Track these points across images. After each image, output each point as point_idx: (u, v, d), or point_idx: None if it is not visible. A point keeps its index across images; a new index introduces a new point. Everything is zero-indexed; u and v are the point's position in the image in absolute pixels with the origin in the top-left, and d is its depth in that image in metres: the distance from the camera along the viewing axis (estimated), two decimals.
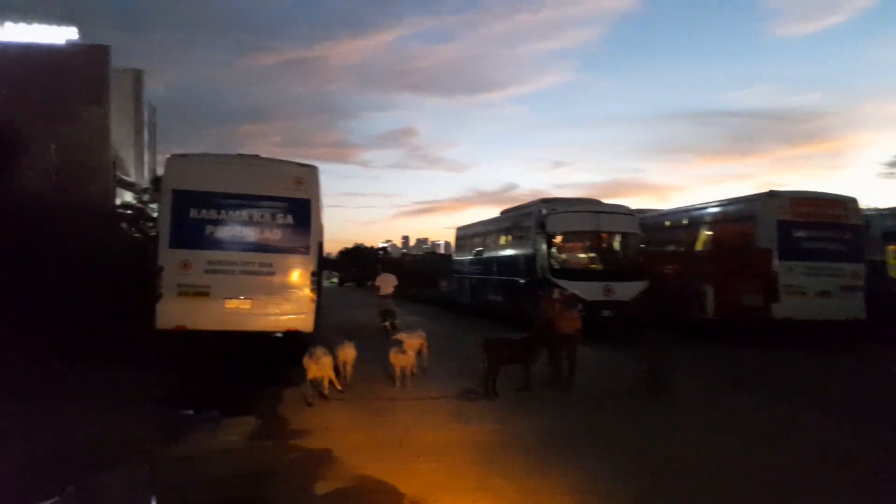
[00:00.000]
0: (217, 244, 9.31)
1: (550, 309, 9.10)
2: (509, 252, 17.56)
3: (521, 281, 15.95)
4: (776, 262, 12.77)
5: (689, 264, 15.65)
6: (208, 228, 9.28)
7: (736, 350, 12.62)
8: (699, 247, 15.67)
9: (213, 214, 9.30)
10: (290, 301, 9.47)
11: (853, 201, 13.83)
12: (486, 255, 19.74)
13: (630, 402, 7.98)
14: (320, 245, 10.17)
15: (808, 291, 12.86)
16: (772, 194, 13.39)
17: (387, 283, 14.71)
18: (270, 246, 9.48)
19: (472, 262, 21.09)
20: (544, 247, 14.60)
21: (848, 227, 13.45)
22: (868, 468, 5.51)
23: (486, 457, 5.62)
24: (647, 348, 8.46)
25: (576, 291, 13.90)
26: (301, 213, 9.64)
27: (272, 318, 9.36)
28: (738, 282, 13.61)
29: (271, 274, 9.43)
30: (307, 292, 9.52)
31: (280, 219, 9.56)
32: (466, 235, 22.87)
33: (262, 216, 9.50)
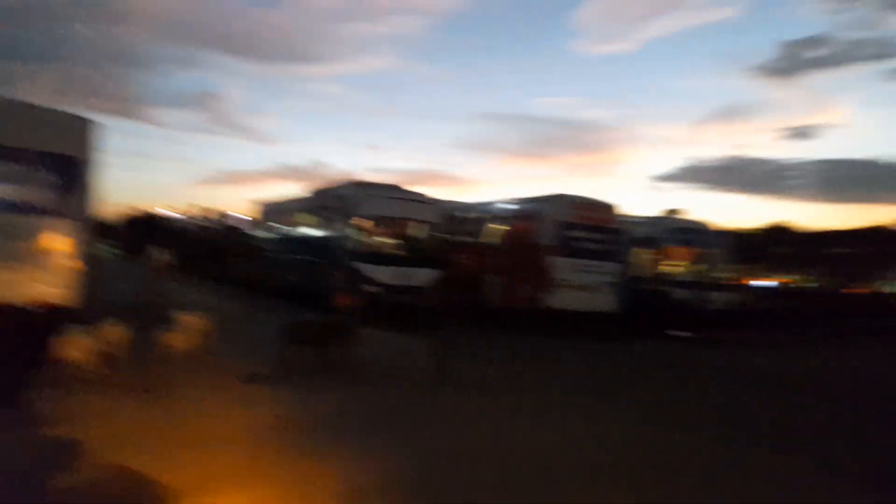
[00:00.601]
0: None
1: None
2: (314, 232, 17.28)
3: (324, 262, 15.81)
4: (552, 258, 14.26)
5: (481, 255, 16.77)
6: None
7: (518, 337, 13.79)
8: (492, 239, 16.90)
9: None
10: (48, 271, 8.25)
11: (615, 208, 15.95)
12: (292, 234, 19.20)
13: (417, 386, 8.33)
14: (94, 208, 9.00)
15: (576, 284, 14.57)
16: (554, 198, 14.93)
17: (160, 255, 13.61)
18: (28, 206, 8.15)
19: (277, 241, 20.35)
20: (349, 229, 14.64)
21: (610, 231, 15.50)
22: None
23: (263, 442, 5.48)
24: (435, 335, 8.86)
25: (377, 275, 14.23)
26: (69, 171, 8.41)
27: (25, 290, 8.09)
28: (521, 274, 14.95)
29: (26, 239, 8.14)
30: (70, 262, 8.38)
31: (43, 176, 8.26)
32: (273, 212, 21.99)
33: (18, 172, 8.13)
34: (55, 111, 8.73)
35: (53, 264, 8.25)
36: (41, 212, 8.22)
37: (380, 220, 15.38)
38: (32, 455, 4.90)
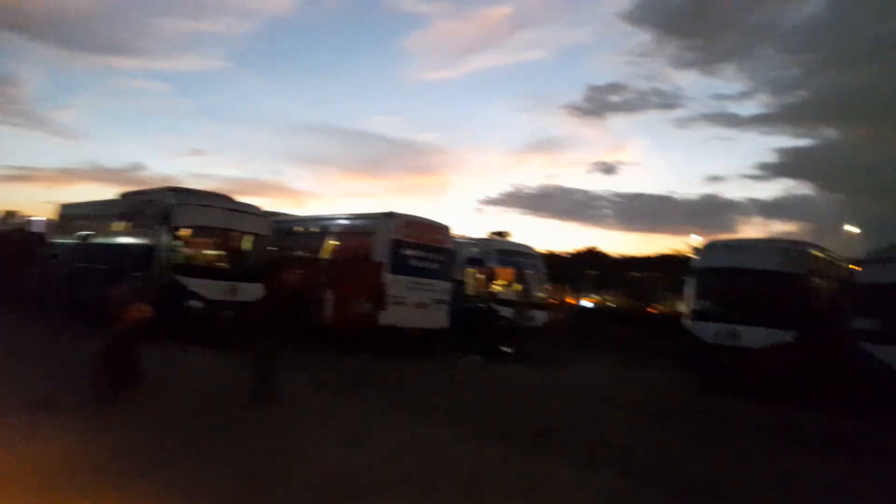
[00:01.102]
0: None
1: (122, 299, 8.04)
2: (127, 240, 15.66)
3: (135, 273, 14.37)
4: (387, 275, 14.40)
5: (313, 270, 16.44)
6: None
7: (348, 355, 13.63)
8: (324, 254, 16.62)
9: None
10: None
11: (448, 228, 16.57)
12: (98, 240, 17.20)
13: (233, 407, 7.85)
14: None
15: (408, 302, 14.83)
16: (389, 215, 15.10)
17: None
18: None
19: (77, 248, 18.06)
20: (167, 239, 13.50)
21: (443, 251, 16.03)
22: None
23: (49, 481, 4.82)
24: (255, 353, 8.42)
25: (198, 290, 13.26)
26: None
27: None
28: (353, 290, 14.86)
29: None
30: None
31: None
32: (74, 216, 19.55)
33: None
34: None
35: None
36: None
37: (199, 230, 14.39)
38: None
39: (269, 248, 15.27)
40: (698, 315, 14.00)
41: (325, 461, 6.01)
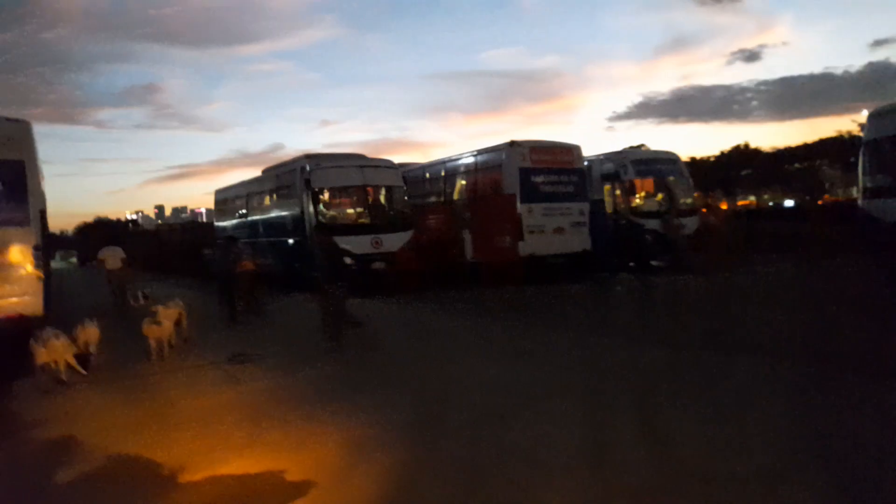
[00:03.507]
0: None
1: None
2: (274, 212, 16.96)
3: (290, 241, 15.58)
4: (519, 205, 14.28)
5: (448, 212, 16.73)
6: None
7: (497, 288, 13.83)
8: (456, 196, 16.82)
9: None
10: (8, 282, 7.95)
11: (577, 148, 15.94)
12: (250, 217, 18.82)
13: (398, 342, 8.35)
14: (42, 214, 8.65)
15: (546, 229, 14.64)
16: (513, 144, 14.83)
17: (113, 256, 13.46)
18: None
19: (235, 227, 19.92)
20: (310, 203, 14.40)
21: (574, 171, 15.51)
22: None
23: (257, 413, 5.45)
24: (327, 299, 8.46)
25: (345, 246, 14.06)
26: (13, 177, 8.02)
27: None
28: (490, 225, 14.95)
29: None
30: (30, 270, 8.06)
31: None
32: (227, 199, 21.50)
33: None
34: None
35: (15, 275, 7.94)
36: (2, 222, 7.87)
37: (337, 190, 15.15)
38: (25, 455, 4.79)
39: (404, 197, 15.72)
40: (873, 192, 12.35)
41: (493, 377, 6.23)
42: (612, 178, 17.32)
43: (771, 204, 47.93)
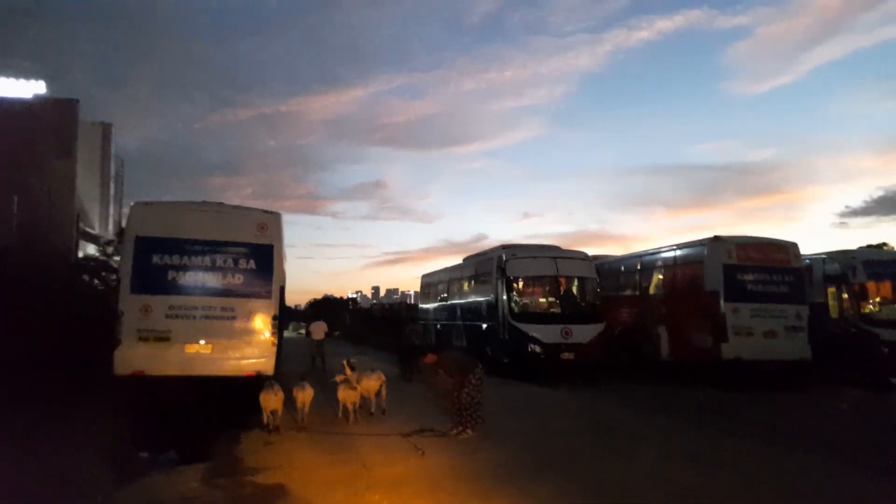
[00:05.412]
0: (178, 289, 9.38)
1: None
2: (472, 298, 17.91)
3: (484, 325, 16.27)
4: (723, 304, 13.35)
5: (643, 307, 16.20)
6: (170, 274, 9.39)
7: (692, 390, 12.96)
8: (652, 290, 16.26)
9: (174, 260, 9.44)
10: (250, 345, 9.56)
11: (794, 246, 14.60)
12: (450, 301, 20.06)
13: (579, 435, 8.24)
14: (282, 290, 10.36)
15: (754, 332, 13.41)
16: (717, 239, 14.10)
17: (318, 329, 17.41)
18: (232, 290, 9.60)
19: (436, 309, 21.36)
20: (504, 291, 15.02)
21: (790, 271, 14.15)
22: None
23: (438, 486, 5.82)
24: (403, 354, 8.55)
25: (537, 335, 14.31)
26: (263, 258, 9.84)
27: (233, 362, 9.42)
28: (688, 323, 14.14)
29: (232, 318, 9.53)
30: (268, 336, 9.64)
31: (242, 264, 9.71)
32: (431, 283, 23.19)
33: (224, 261, 9.65)
34: (253, 209, 10.39)
35: (258, 339, 9.57)
36: (251, 294, 9.67)
37: (531, 280, 15.62)
38: (243, 497, 5.67)
39: (597, 289, 15.66)
40: None
41: (674, 482, 5.89)
42: (837, 279, 15.39)
43: None
